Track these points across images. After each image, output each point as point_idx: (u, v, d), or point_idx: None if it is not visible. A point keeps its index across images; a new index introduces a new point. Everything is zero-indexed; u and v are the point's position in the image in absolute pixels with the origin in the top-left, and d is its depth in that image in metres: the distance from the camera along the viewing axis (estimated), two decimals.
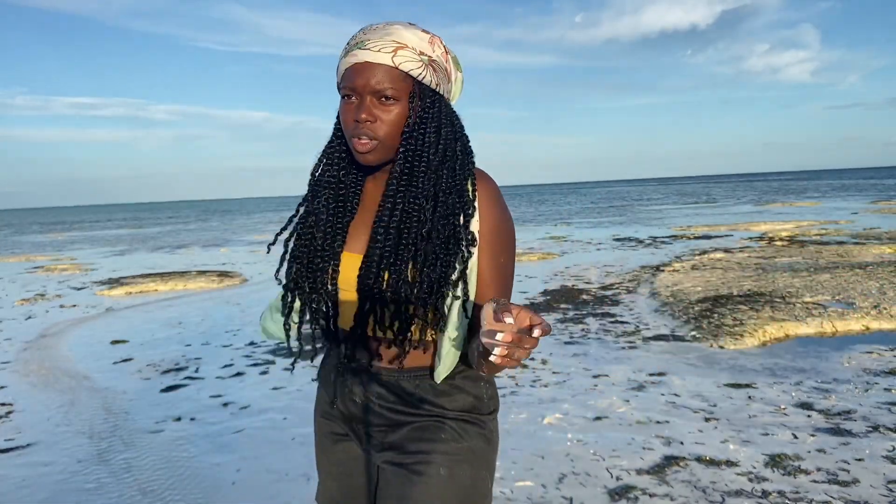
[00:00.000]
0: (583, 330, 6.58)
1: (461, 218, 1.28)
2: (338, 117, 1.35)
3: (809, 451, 3.52)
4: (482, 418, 1.39)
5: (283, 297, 1.43)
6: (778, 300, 7.12)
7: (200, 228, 35.65)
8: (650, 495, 3.12)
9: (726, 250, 12.52)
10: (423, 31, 1.31)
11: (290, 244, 1.41)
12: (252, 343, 6.77)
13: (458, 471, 1.33)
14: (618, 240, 16.26)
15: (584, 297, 8.46)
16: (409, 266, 1.28)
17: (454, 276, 1.27)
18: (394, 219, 1.29)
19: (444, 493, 1.31)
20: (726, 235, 16.19)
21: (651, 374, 5.04)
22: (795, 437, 3.74)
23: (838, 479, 3.19)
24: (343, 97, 1.30)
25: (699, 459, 3.49)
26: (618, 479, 3.30)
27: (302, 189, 1.45)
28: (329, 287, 1.36)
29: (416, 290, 1.27)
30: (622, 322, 6.91)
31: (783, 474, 3.27)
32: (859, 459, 3.39)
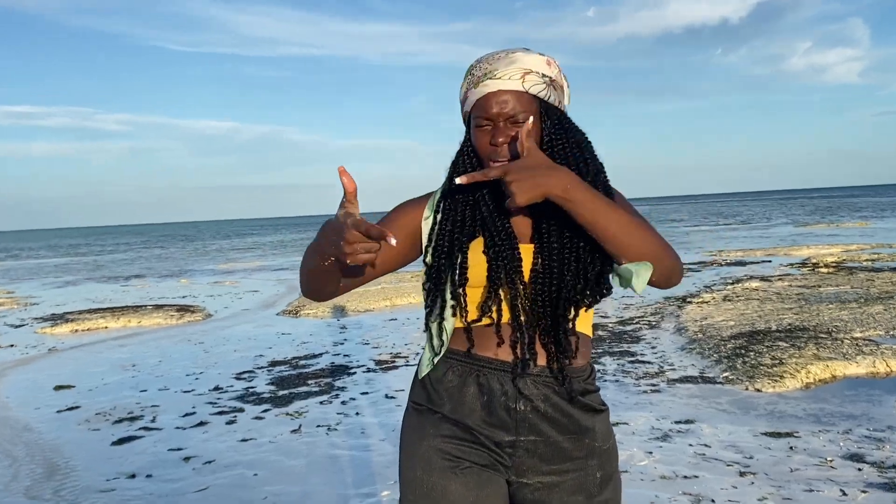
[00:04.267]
0: (599, 371, 6.59)
1: None
2: (466, 144, 1.65)
3: None
4: (608, 407, 1.73)
5: (455, 295, 1.59)
6: (823, 336, 7.13)
7: (158, 256, 35.67)
8: None
9: (763, 278, 12.55)
10: (541, 54, 1.60)
11: (452, 250, 1.60)
12: (217, 388, 6.77)
13: (608, 468, 1.68)
14: None
15: (600, 332, 8.48)
16: (579, 254, 1.53)
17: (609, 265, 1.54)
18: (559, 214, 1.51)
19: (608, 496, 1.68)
20: (763, 261, 16.28)
21: (677, 422, 5.05)
22: (844, 493, 3.74)
23: None
24: (477, 125, 1.57)
25: None
26: None
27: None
28: (520, 273, 1.55)
29: (589, 274, 1.53)
30: (644, 362, 6.93)
31: None
32: None
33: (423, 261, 1.65)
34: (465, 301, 1.56)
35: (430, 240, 1.63)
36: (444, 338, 1.60)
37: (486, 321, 1.57)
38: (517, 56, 1.55)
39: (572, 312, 1.54)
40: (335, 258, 1.39)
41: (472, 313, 1.57)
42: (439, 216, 1.64)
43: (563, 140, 1.57)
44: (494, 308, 1.55)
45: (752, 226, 34.14)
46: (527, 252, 1.56)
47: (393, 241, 1.28)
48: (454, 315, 1.58)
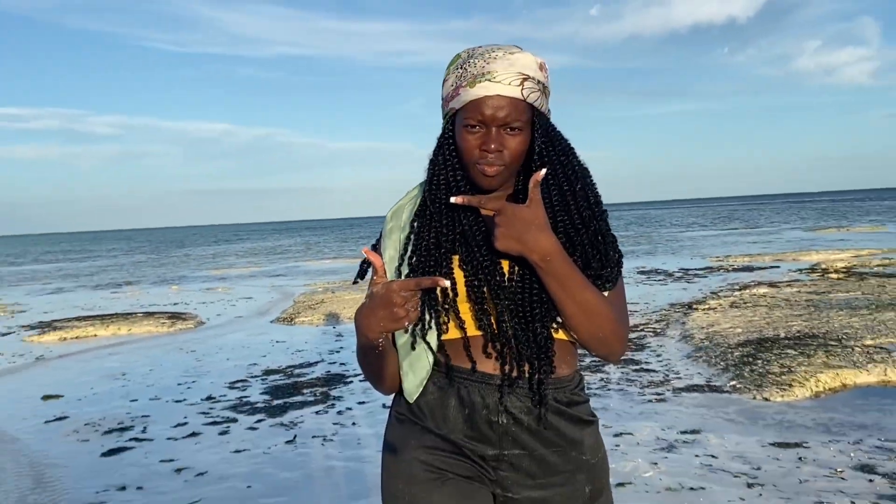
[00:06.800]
0: (602, 380, 6.60)
1: (604, 223, 1.59)
2: (447, 142, 1.62)
3: None
4: (597, 418, 1.71)
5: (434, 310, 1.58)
6: (833, 343, 7.14)
7: (148, 262, 35.67)
8: None
9: (772, 284, 12.56)
10: (534, 55, 1.58)
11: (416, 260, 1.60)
12: (210, 397, 6.77)
13: (597, 482, 1.65)
14: (643, 273, 16.42)
15: None
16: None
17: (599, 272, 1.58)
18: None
19: None
20: (772, 267, 16.32)
21: (683, 432, 5.06)
22: None
23: None
24: (466, 126, 1.55)
25: None
26: None
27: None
28: (503, 287, 1.56)
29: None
30: (649, 370, 6.94)
31: None
32: None
33: (398, 272, 1.63)
34: (457, 316, 1.56)
35: (405, 250, 1.62)
36: (430, 358, 1.59)
37: (458, 334, 1.57)
38: (516, 58, 1.54)
39: (550, 322, 1.55)
40: (386, 334, 1.46)
41: (455, 329, 1.57)
42: (416, 225, 1.63)
43: (551, 147, 1.59)
44: (482, 321, 1.55)
45: (760, 230, 34.13)
46: (503, 264, 1.57)
47: (446, 283, 1.43)
48: (437, 330, 1.57)
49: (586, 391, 1.70)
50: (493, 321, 1.55)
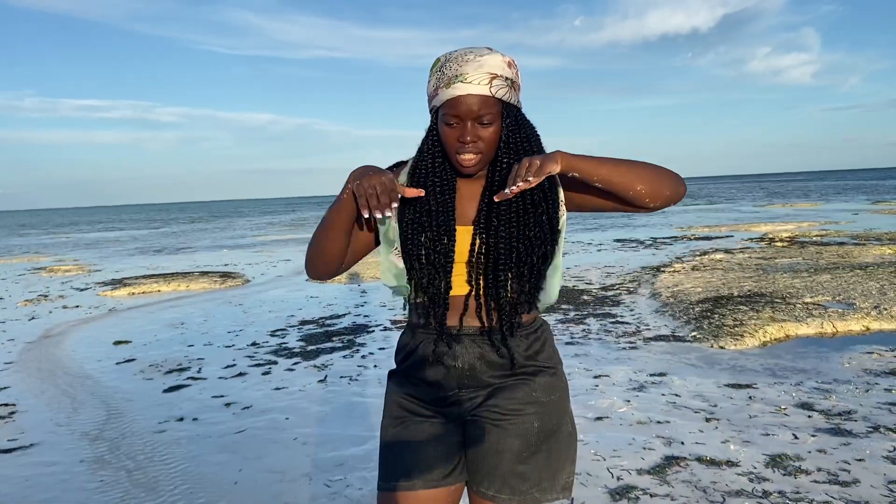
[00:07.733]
0: (584, 330, 6.56)
1: (558, 207, 1.59)
2: (432, 133, 1.61)
3: (810, 452, 3.52)
4: (560, 368, 1.68)
5: (412, 270, 1.61)
6: (778, 301, 7.11)
7: (204, 230, 35.67)
8: (651, 495, 3.11)
9: (727, 251, 12.47)
10: (502, 55, 1.55)
11: (406, 230, 1.61)
12: (254, 343, 6.77)
13: (548, 421, 1.59)
14: (618, 241, 16.25)
15: (585, 297, 8.45)
16: (518, 236, 1.56)
17: (550, 247, 1.59)
18: (511, 204, 1.56)
19: (539, 439, 1.58)
20: (727, 236, 16.19)
21: (652, 375, 5.04)
22: (796, 437, 3.73)
23: (839, 479, 3.19)
24: (446, 122, 1.54)
25: (700, 459, 3.48)
26: (619, 478, 3.30)
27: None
28: (451, 256, 1.58)
29: (524, 258, 1.55)
30: (623, 322, 6.91)
31: (784, 474, 3.26)
32: (860, 460, 3.39)
33: (393, 232, 1.65)
34: (424, 279, 1.59)
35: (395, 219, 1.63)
36: (413, 293, 1.64)
37: (422, 297, 1.61)
38: (484, 60, 1.51)
39: (510, 282, 1.55)
40: (363, 212, 1.47)
41: (420, 293, 1.61)
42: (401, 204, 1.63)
43: (518, 135, 1.57)
44: (439, 287, 1.58)
45: (718, 205, 33.89)
46: (466, 232, 1.59)
47: (378, 216, 1.47)
48: (411, 289, 1.63)
49: (557, 338, 1.71)
50: (442, 287, 1.58)
